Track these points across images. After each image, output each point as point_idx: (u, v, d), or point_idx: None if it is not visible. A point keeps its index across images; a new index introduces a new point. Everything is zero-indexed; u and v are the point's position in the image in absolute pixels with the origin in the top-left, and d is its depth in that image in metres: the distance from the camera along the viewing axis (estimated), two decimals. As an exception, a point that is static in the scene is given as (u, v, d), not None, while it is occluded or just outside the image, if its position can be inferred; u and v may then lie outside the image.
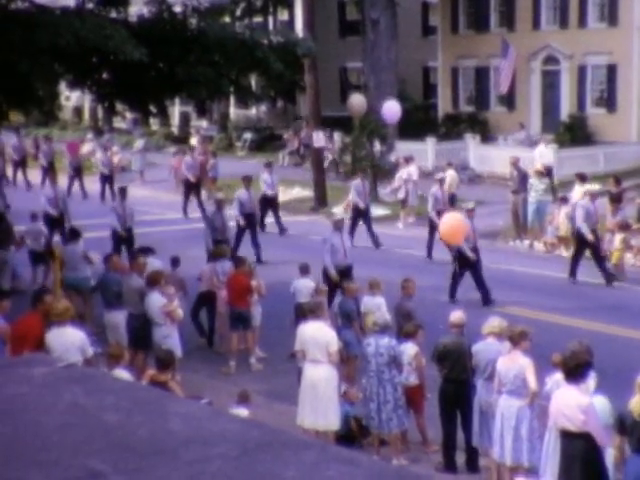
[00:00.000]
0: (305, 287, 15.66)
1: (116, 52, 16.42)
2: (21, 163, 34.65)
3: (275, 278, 18.15)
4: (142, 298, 14.35)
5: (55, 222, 22.08)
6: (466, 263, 18.68)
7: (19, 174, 34.33)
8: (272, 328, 16.24)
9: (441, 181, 23.42)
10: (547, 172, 27.99)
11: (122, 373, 10.74)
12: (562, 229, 23.13)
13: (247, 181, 23.85)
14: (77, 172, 33.18)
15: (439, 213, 21.55)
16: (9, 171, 34.15)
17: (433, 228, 21.69)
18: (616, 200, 22.69)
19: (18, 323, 11.91)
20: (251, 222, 23.11)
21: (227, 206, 21.60)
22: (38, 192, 26.12)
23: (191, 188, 29.38)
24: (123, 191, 21.80)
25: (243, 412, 11.76)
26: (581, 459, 8.91)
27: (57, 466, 2.72)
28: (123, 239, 20.82)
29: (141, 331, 14.23)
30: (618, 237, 20.98)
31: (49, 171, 30.89)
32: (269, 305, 17.35)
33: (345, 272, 17.21)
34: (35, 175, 33.56)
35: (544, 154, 30.07)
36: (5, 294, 13.73)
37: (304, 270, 16.35)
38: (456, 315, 12.08)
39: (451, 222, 18.45)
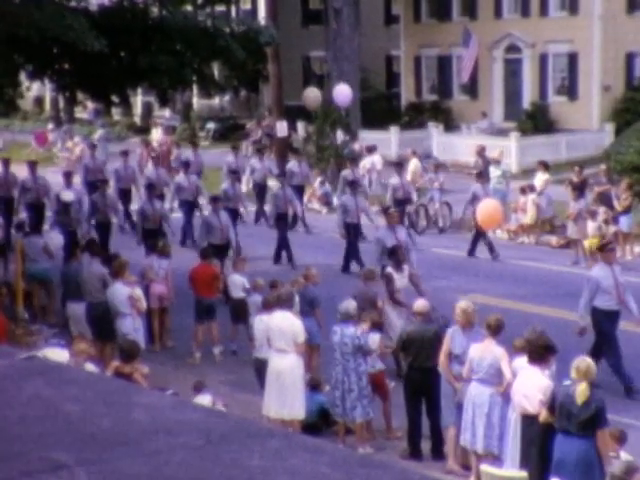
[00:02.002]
0: (239, 281, 15.57)
1: (76, 42, 16.26)
2: None
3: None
4: (104, 285, 14.12)
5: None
6: None
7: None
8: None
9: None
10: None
11: (88, 365, 10.68)
12: (529, 216, 23.24)
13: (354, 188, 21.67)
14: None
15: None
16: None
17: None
18: (578, 188, 22.81)
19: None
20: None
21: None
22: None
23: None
24: (216, 200, 19.02)
25: (206, 398, 11.76)
26: (538, 442, 8.95)
27: (19, 458, 2.69)
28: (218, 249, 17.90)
29: (102, 321, 13.99)
30: (591, 225, 21.04)
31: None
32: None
33: None
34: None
35: None
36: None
37: (236, 265, 16.26)
38: (420, 303, 12.10)
39: (489, 208, 18.37)
